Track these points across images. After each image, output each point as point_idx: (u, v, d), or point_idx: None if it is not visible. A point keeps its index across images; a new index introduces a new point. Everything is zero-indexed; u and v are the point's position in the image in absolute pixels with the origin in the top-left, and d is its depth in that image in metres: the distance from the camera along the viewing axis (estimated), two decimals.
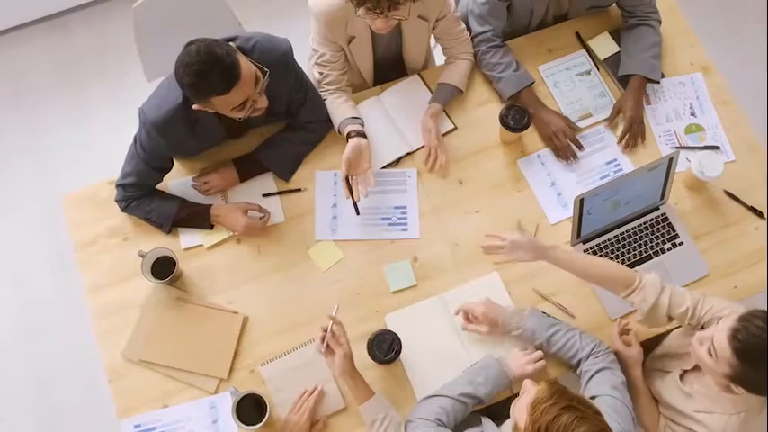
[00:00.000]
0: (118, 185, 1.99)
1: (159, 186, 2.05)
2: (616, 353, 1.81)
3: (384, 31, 1.91)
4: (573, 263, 1.74)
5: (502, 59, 2.13)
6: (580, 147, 2.11)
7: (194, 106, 1.76)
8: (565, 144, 2.09)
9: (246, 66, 1.69)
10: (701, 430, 1.63)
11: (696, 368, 1.68)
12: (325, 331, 1.73)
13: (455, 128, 2.16)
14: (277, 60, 1.83)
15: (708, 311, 1.66)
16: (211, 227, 2.03)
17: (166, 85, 1.84)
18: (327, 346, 1.73)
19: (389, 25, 1.88)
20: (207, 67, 1.62)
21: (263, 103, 1.79)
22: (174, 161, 2.03)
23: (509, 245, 1.74)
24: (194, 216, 2.01)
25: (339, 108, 2.07)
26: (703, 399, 1.63)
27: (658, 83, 2.16)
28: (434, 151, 2.08)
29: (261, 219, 2.00)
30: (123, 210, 2.02)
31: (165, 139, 1.85)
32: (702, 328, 1.66)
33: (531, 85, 2.13)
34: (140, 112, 1.86)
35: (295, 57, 1.92)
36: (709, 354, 1.52)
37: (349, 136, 2.01)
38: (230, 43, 1.71)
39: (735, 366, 1.47)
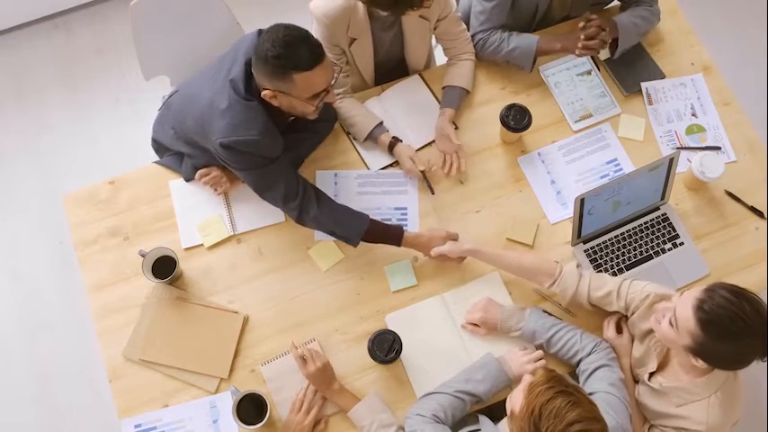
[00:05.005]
0: (284, 206, 1.90)
1: (161, 188, 2.03)
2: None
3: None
4: (498, 257, 1.88)
5: (502, 35, 2.14)
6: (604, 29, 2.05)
7: (264, 93, 1.71)
8: (592, 32, 2.03)
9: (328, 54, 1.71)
10: (687, 425, 1.63)
11: (660, 368, 1.70)
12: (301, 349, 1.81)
13: (456, 128, 2.16)
14: None
15: (634, 293, 1.73)
16: (399, 245, 1.94)
17: (222, 108, 1.74)
18: (303, 359, 1.80)
19: (408, 17, 1.90)
20: (297, 40, 1.62)
21: (332, 97, 1.78)
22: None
23: (434, 253, 1.92)
24: (385, 234, 1.93)
25: (360, 115, 2.10)
26: (677, 391, 1.64)
27: (616, 47, 2.15)
28: (451, 157, 2.08)
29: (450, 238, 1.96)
30: (305, 224, 1.93)
31: (269, 141, 1.79)
32: (632, 313, 1.75)
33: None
34: (229, 144, 1.75)
35: None
36: (671, 325, 1.53)
37: (392, 145, 2.07)
38: None
39: (697, 337, 1.48)
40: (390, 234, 1.93)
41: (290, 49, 1.63)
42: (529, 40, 2.13)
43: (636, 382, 1.80)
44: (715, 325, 1.45)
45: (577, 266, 1.83)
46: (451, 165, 2.08)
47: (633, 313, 1.76)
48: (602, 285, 1.79)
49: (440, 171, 2.10)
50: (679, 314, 1.51)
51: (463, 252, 1.90)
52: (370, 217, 1.92)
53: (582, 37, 2.03)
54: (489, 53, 2.17)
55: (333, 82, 1.76)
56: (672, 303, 1.56)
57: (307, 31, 1.67)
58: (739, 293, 1.46)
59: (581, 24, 2.05)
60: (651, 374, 1.72)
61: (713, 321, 1.45)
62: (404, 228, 1.95)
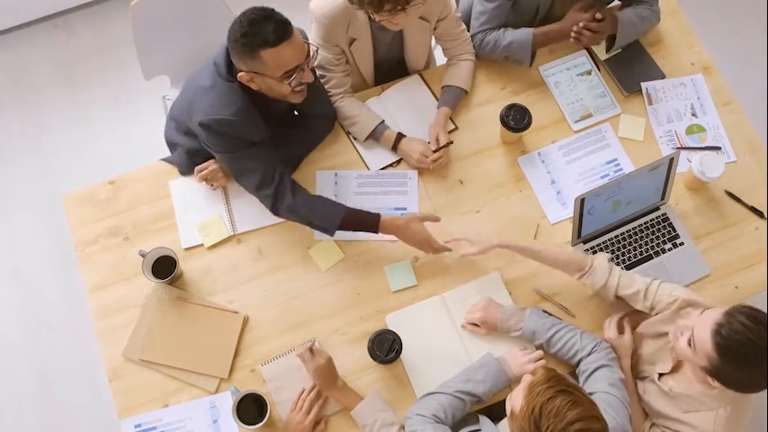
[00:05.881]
0: (257, 193, 1.90)
1: (161, 188, 2.04)
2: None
3: (402, 27, 1.91)
4: (529, 250, 1.86)
5: (498, 31, 2.14)
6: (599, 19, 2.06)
7: (240, 75, 1.74)
8: (593, 26, 2.05)
9: (297, 31, 1.72)
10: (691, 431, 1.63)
11: (673, 370, 1.69)
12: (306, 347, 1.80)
13: (456, 128, 2.16)
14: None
15: (662, 295, 1.73)
16: (377, 232, 1.92)
17: (206, 86, 1.79)
18: (311, 352, 1.80)
19: (408, 20, 1.88)
20: (261, 17, 1.65)
21: (309, 76, 1.77)
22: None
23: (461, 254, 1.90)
24: (361, 222, 1.91)
25: (361, 113, 2.10)
26: (687, 399, 1.63)
27: (613, 42, 2.16)
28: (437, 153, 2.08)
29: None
30: (278, 214, 1.93)
31: (245, 123, 1.80)
32: (656, 314, 1.76)
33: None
34: (206, 124, 1.78)
35: None
36: (689, 345, 1.52)
37: (397, 142, 2.08)
38: None
39: (713, 361, 1.47)
40: (367, 221, 1.92)
41: (255, 27, 1.65)
42: (524, 32, 2.13)
43: (639, 377, 1.79)
44: (732, 351, 1.44)
45: (609, 260, 1.82)
46: (437, 159, 2.07)
47: (657, 314, 1.75)
48: (630, 284, 1.78)
49: (439, 171, 2.10)
50: (697, 335, 1.50)
51: (491, 247, 1.87)
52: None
53: (581, 25, 2.04)
54: (488, 51, 2.17)
55: (308, 63, 1.75)
56: (690, 322, 1.55)
57: (272, 10, 1.68)
58: (758, 319, 1.45)
59: (588, 14, 2.07)
60: (661, 375, 1.71)
61: (730, 347, 1.44)
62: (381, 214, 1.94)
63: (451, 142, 2.08)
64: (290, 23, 1.69)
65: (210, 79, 1.80)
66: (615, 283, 1.79)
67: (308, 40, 1.81)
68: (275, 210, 1.92)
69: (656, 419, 1.72)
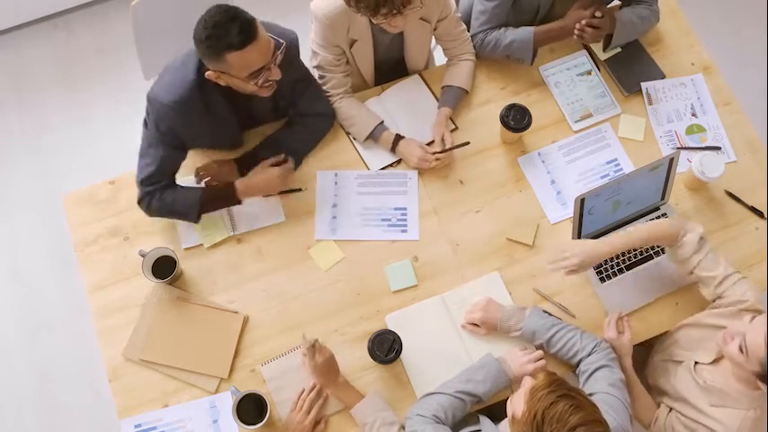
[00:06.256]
0: (139, 182, 1.93)
1: None
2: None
3: (401, 29, 1.91)
4: (629, 241, 1.80)
5: (499, 30, 2.14)
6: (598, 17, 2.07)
7: (207, 73, 1.73)
8: (596, 22, 2.06)
9: (263, 31, 1.69)
10: (714, 425, 1.63)
11: (714, 362, 1.69)
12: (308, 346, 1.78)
13: (456, 128, 2.16)
14: (287, 45, 1.82)
15: (734, 291, 1.72)
16: (240, 202, 1.99)
17: (176, 66, 1.81)
18: (313, 347, 1.79)
19: (406, 22, 1.88)
20: (225, 19, 1.62)
21: (276, 74, 1.76)
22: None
23: (578, 262, 1.79)
24: (220, 197, 1.97)
25: (360, 114, 2.10)
26: (720, 393, 1.64)
27: (610, 40, 2.16)
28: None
29: (285, 164, 2.00)
30: (147, 209, 1.96)
31: (181, 118, 1.82)
32: (717, 305, 1.76)
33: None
34: (150, 97, 1.82)
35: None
36: (740, 351, 1.53)
37: (395, 143, 2.08)
38: None
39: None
40: (226, 194, 1.97)
41: (220, 30, 1.63)
42: (525, 31, 2.13)
43: (671, 359, 1.80)
44: None
45: (700, 239, 1.79)
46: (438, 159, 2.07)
47: (718, 306, 1.76)
48: (711, 268, 1.77)
49: (439, 171, 2.10)
50: (749, 341, 1.51)
51: (578, 266, 1.78)
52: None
53: (583, 22, 2.04)
54: (489, 50, 2.17)
55: (275, 61, 1.74)
56: (742, 327, 1.55)
57: (237, 10, 1.64)
58: None
59: (589, 11, 2.07)
60: (696, 363, 1.72)
61: None
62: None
63: (467, 143, 2.08)
64: (255, 23, 1.66)
65: (181, 62, 1.80)
66: (696, 262, 1.78)
67: (275, 36, 1.77)
68: (140, 205, 1.96)
69: (675, 404, 1.72)
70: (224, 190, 1.97)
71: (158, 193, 1.93)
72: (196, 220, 1.97)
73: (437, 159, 2.05)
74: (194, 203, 1.95)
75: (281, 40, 1.75)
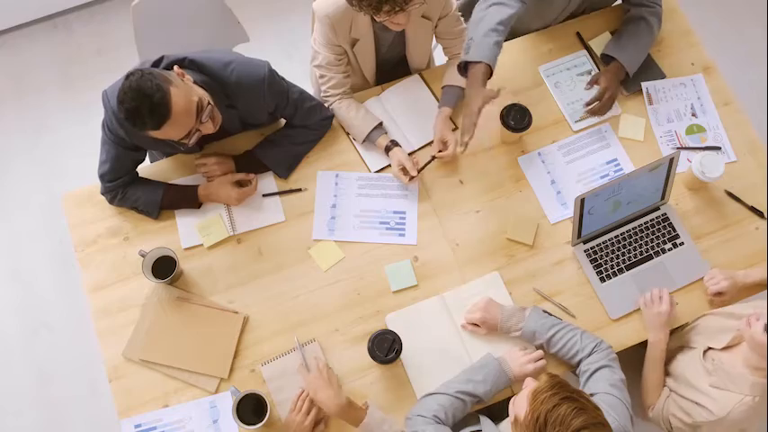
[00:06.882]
0: (99, 176, 2.00)
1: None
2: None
3: (403, 27, 1.90)
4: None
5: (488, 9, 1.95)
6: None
7: None
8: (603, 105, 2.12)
9: (183, 99, 1.64)
10: (708, 404, 1.63)
11: (725, 349, 1.70)
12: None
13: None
14: (255, 86, 1.85)
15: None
16: (199, 206, 2.04)
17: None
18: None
19: (409, 19, 1.87)
20: (136, 104, 1.60)
21: (207, 129, 1.75)
22: (171, 159, 2.02)
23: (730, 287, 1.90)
24: (181, 198, 2.03)
25: (358, 116, 2.09)
26: (722, 374, 1.65)
27: (629, 77, 2.17)
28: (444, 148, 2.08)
29: (251, 185, 2.03)
30: (111, 202, 2.03)
31: (127, 127, 1.82)
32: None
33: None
34: (104, 96, 1.85)
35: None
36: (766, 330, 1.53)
37: (388, 149, 2.07)
38: (174, 69, 1.71)
39: None
40: (187, 196, 2.02)
41: (134, 117, 1.61)
42: (486, 50, 1.88)
43: (687, 346, 1.81)
44: None
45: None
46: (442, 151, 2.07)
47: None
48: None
49: (439, 171, 2.10)
50: None
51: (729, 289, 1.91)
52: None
53: (585, 108, 2.15)
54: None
55: (202, 119, 1.71)
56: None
57: (150, 91, 1.59)
58: None
59: (586, 86, 2.16)
60: (708, 349, 1.73)
61: None
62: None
63: (433, 158, 2.07)
64: (166, 102, 1.60)
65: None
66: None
67: (245, 75, 1.80)
68: (105, 197, 2.03)
69: (676, 386, 1.73)
70: (187, 192, 2.03)
71: (120, 190, 2.00)
72: (155, 217, 2.03)
73: (411, 179, 2.04)
74: (155, 203, 2.01)
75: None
